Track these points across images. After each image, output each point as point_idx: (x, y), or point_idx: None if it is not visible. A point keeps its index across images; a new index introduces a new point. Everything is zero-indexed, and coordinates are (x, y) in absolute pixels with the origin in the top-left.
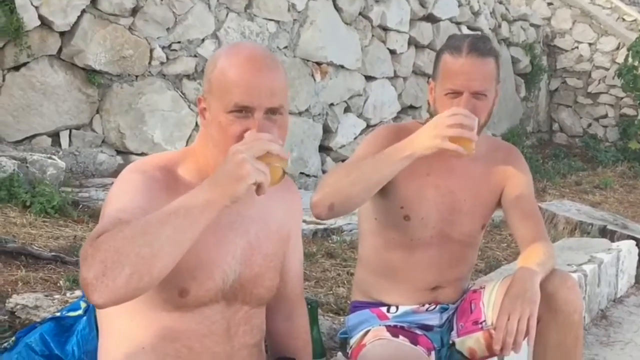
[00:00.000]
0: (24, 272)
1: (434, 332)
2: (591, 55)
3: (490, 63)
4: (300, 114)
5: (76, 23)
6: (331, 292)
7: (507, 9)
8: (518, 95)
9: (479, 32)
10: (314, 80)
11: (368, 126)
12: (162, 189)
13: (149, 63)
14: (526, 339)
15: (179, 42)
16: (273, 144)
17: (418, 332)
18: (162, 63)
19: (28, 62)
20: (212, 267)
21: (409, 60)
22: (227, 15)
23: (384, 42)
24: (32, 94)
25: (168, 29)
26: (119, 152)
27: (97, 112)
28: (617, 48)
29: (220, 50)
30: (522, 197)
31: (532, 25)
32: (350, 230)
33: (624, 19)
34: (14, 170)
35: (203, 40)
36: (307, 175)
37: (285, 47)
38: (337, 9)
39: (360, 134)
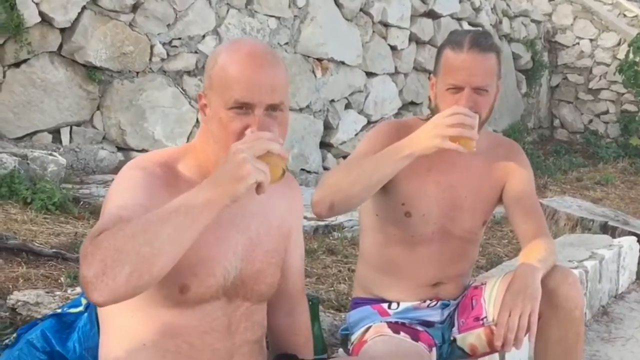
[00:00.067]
0: (24, 269)
1: (435, 329)
2: (592, 51)
3: (492, 58)
4: (301, 110)
5: (77, 19)
6: (332, 288)
7: (508, 5)
8: (519, 91)
9: (480, 28)
10: (315, 76)
11: (369, 122)
12: (162, 185)
13: (150, 59)
14: (527, 335)
15: (179, 39)
16: (274, 143)
17: (419, 328)
18: (162, 59)
19: (28, 59)
20: (212, 264)
21: (409, 56)
22: (227, 11)
23: (384, 38)
24: (32, 90)
25: (168, 25)
26: (119, 149)
27: (98, 108)
28: (618, 44)
29: (221, 47)
30: (524, 193)
31: (533, 21)
32: (351, 227)
33: (625, 15)
34: (14, 166)
35: (204, 36)
36: (308, 172)
37: (286, 44)
38: (338, 5)
39: (361, 130)
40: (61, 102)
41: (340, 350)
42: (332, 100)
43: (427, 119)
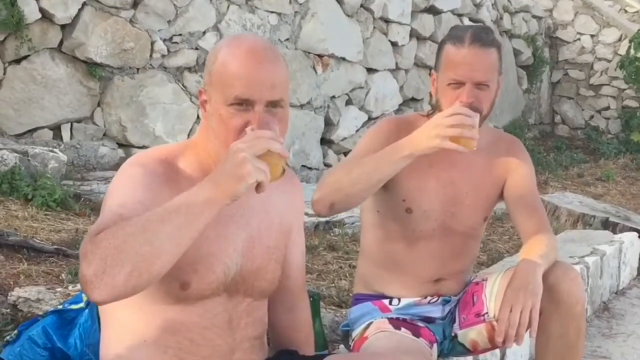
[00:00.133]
0: (26, 266)
1: (436, 325)
2: (593, 47)
3: (493, 54)
4: (301, 106)
5: (77, 16)
6: (333, 284)
7: (508, 0)
8: (520, 87)
9: (481, 24)
10: (316, 72)
11: (370, 119)
12: (162, 182)
13: (150, 56)
14: (528, 331)
15: (180, 35)
16: (274, 143)
17: (420, 324)
18: (163, 56)
19: (29, 55)
20: (213, 260)
21: (410, 52)
22: (228, 7)
23: (385, 34)
24: (33, 87)
25: (169, 22)
26: (120, 145)
27: (99, 105)
28: (619, 40)
29: (222, 43)
30: (525, 190)
31: (534, 17)
32: (352, 223)
33: (626, 11)
34: (15, 163)
35: (204, 32)
36: (309, 168)
37: (287, 40)
38: (339, 1)
39: (362, 126)
40: (62, 99)
41: (342, 346)
42: (333, 97)
43: (428, 114)
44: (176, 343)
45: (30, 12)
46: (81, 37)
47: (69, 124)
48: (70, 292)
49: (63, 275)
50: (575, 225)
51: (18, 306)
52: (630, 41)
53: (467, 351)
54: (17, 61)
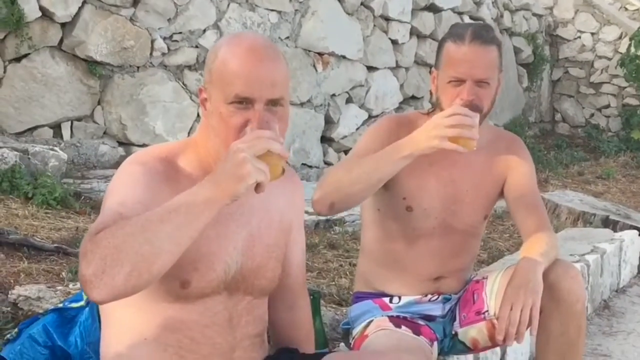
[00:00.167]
0: (26, 264)
1: (436, 323)
2: (594, 45)
3: (493, 51)
4: (302, 104)
5: (77, 14)
6: (333, 282)
7: None
8: (520, 85)
9: (481, 22)
10: (316, 70)
11: (370, 117)
12: (162, 181)
13: (150, 54)
14: (529, 329)
15: (180, 33)
16: (274, 143)
17: (421, 322)
18: (163, 54)
19: (29, 54)
20: (213, 259)
21: (410, 50)
22: (228, 5)
23: (385, 32)
24: (33, 85)
25: (169, 20)
26: (120, 144)
27: (99, 103)
28: (620, 37)
29: (222, 41)
30: (525, 188)
31: (534, 14)
32: (353, 221)
33: (626, 8)
34: (15, 161)
35: (204, 30)
36: (309, 166)
37: (287, 38)
38: None
39: (362, 124)
40: (62, 97)
41: (342, 344)
42: (333, 95)
43: (428, 113)
44: (176, 341)
45: (31, 11)
46: (81, 36)
47: (69, 122)
48: (71, 291)
49: (63, 273)
50: (576, 224)
51: (18, 304)
52: (630, 39)
53: (467, 349)
54: (18, 59)
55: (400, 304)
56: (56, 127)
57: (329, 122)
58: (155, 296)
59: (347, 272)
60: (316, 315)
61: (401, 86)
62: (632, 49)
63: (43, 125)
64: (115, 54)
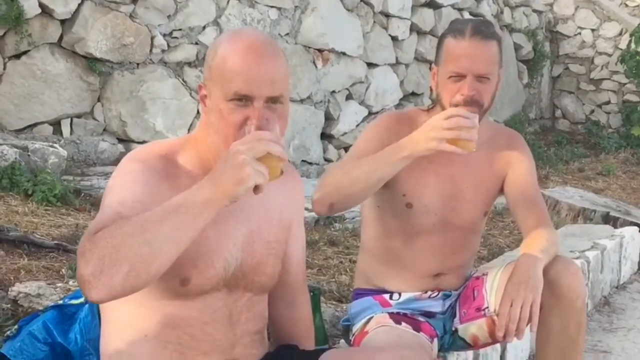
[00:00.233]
0: (26, 261)
1: (436, 319)
2: (594, 41)
3: (494, 46)
4: (302, 101)
5: (77, 11)
6: (333, 279)
7: None
8: (520, 81)
9: (481, 18)
10: (316, 67)
11: (370, 113)
12: (162, 179)
13: (150, 51)
14: (529, 325)
15: (180, 30)
16: (274, 145)
17: (421, 319)
18: (163, 51)
19: (29, 51)
20: (213, 255)
21: (410, 46)
22: (228, 2)
23: (385, 28)
24: (33, 82)
25: (169, 17)
26: (120, 141)
27: (99, 100)
28: (620, 34)
29: (222, 37)
30: (525, 184)
31: (534, 11)
32: (353, 218)
33: (626, 5)
34: (15, 158)
35: (204, 27)
36: (309, 163)
37: (287, 34)
38: None
39: (362, 121)
40: (62, 94)
41: (342, 341)
42: (333, 91)
43: (429, 109)
44: (176, 338)
45: (30, 7)
46: (81, 32)
47: (69, 119)
48: (71, 287)
49: (63, 270)
50: (576, 220)
51: (18, 301)
52: (630, 35)
53: (467, 346)
54: (17, 56)
55: (401, 300)
56: (56, 124)
57: (329, 118)
58: (155, 293)
59: (347, 269)
60: (316, 311)
61: (401, 83)
62: (633, 45)
63: (43, 122)
64: (115, 50)
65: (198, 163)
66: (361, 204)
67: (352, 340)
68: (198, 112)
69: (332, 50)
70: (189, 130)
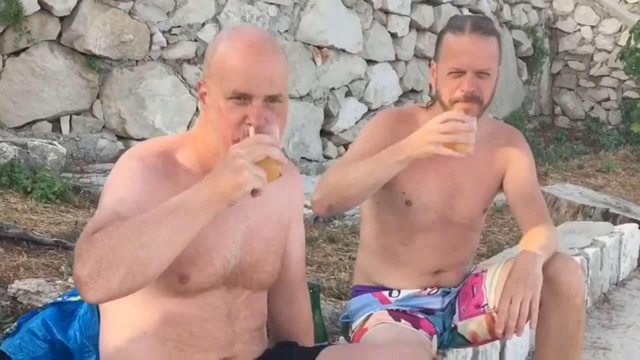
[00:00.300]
0: (25, 258)
1: (436, 316)
2: (593, 38)
3: (493, 42)
4: (301, 98)
5: (76, 7)
6: (333, 276)
7: None
8: (520, 78)
9: (481, 14)
10: (315, 64)
11: (369, 110)
12: (160, 177)
13: (149, 48)
14: (528, 322)
15: (179, 27)
16: (273, 149)
17: (420, 316)
18: (162, 47)
19: (28, 48)
20: (212, 253)
21: (410, 43)
22: None
23: (385, 25)
24: (32, 79)
25: (168, 13)
26: (119, 138)
27: (98, 97)
28: (620, 30)
29: (221, 35)
30: (524, 181)
31: (534, 7)
32: (352, 215)
33: (626, 1)
34: (14, 156)
35: (203, 24)
36: (309, 160)
37: (286, 31)
38: None
39: (362, 118)
40: (61, 91)
41: (341, 338)
42: (333, 88)
43: (428, 106)
44: (176, 335)
45: (29, 4)
46: (80, 29)
47: (68, 116)
48: (70, 285)
49: (62, 267)
50: (575, 217)
51: (18, 298)
52: (630, 32)
53: (467, 342)
54: (16, 53)
55: (400, 297)
56: (55, 121)
57: (328, 115)
58: (154, 291)
59: (347, 266)
60: (316, 309)
61: (400, 80)
62: (632, 42)
63: (42, 120)
64: (114, 47)
65: (197, 161)
66: None
67: (352, 337)
68: (197, 109)
69: (331, 47)
70: (188, 127)
